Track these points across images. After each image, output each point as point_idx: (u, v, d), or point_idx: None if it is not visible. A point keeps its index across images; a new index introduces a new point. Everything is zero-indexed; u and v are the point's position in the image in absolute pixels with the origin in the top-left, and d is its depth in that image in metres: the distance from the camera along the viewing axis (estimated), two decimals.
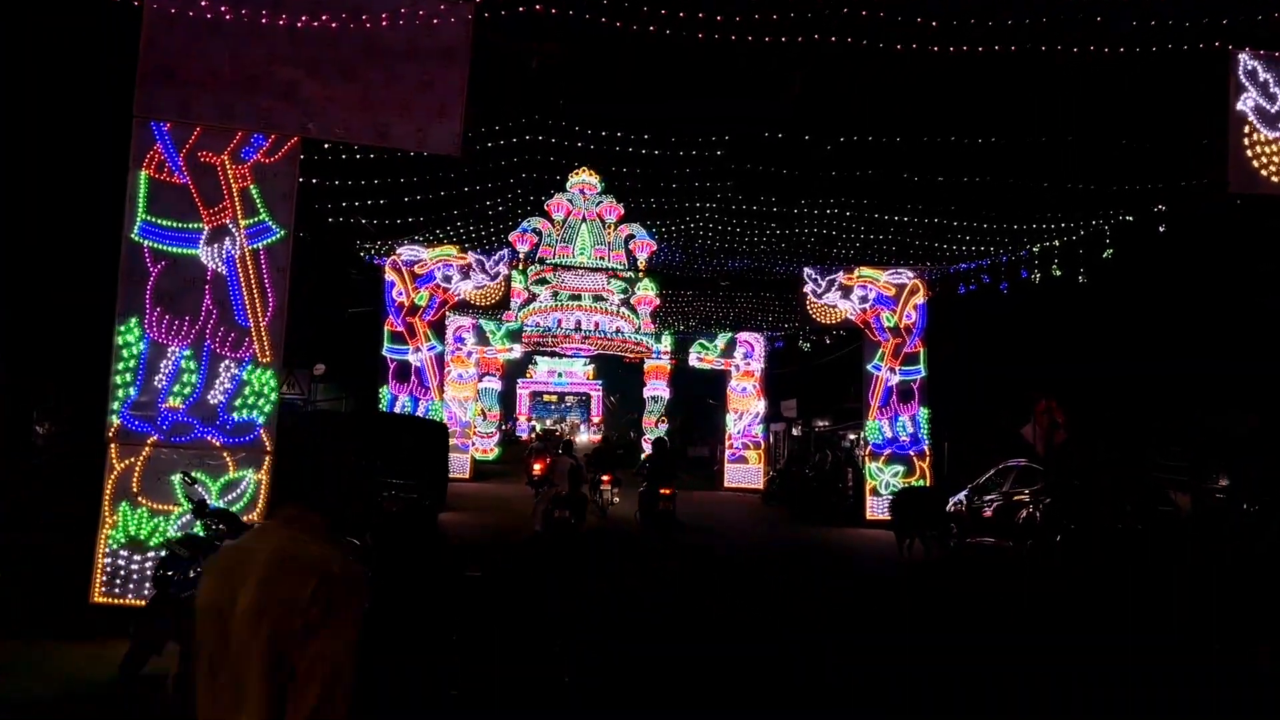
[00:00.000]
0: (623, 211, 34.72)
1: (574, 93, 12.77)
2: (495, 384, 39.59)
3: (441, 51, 9.75)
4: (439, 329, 24.21)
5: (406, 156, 12.87)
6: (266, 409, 9.60)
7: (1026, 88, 12.87)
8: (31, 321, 14.20)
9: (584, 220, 36.57)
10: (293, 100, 9.63)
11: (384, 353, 23.59)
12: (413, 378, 23.55)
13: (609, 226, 36.41)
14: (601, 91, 13.32)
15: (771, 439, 40.24)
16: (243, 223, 9.63)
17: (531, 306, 35.96)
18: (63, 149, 12.45)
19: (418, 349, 23.61)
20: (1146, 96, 13.13)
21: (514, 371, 55.86)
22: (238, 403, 9.55)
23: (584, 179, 35.85)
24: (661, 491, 18.10)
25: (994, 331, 24.43)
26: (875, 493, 23.61)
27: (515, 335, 35.73)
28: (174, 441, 9.43)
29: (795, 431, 44.66)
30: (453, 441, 32.06)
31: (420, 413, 23.32)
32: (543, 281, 36.58)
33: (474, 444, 35.14)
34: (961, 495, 17.88)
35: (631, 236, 35.82)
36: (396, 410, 23.30)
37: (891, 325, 23.80)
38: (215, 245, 9.58)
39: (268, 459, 9.60)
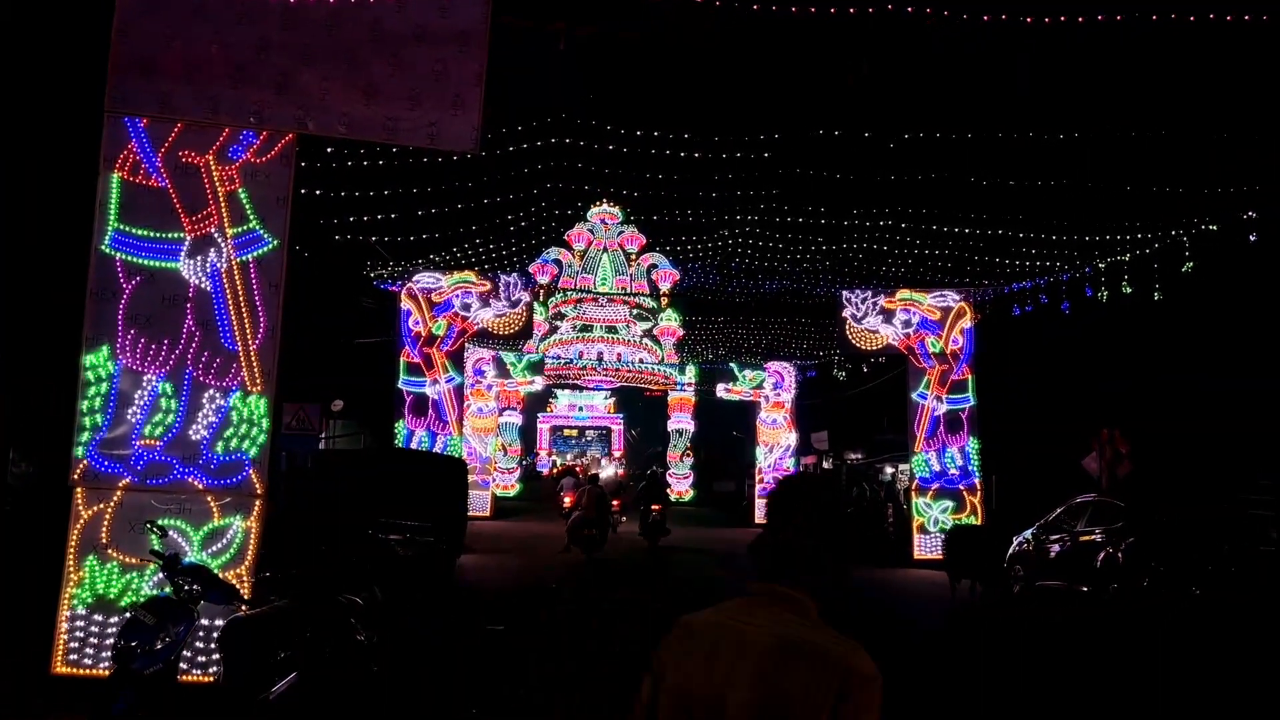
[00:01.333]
0: (645, 241, 33.75)
1: (604, 84, 11.51)
2: (516, 418, 38.34)
3: (456, 35, 8.53)
4: (458, 360, 22.96)
5: (419, 164, 11.69)
6: (257, 445, 8.31)
7: (1105, 78, 11.57)
8: (29, 334, 12.82)
9: (605, 250, 35.69)
10: (287, 92, 8.43)
11: (400, 385, 22.35)
12: (430, 411, 22.29)
13: (631, 257, 35.48)
14: (634, 83, 12.04)
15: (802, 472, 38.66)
16: (230, 231, 8.40)
17: (552, 339, 34.86)
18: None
19: (435, 381, 22.37)
20: (1234, 89, 11.79)
21: (534, 405, 54.70)
22: (224, 438, 8.27)
23: (605, 209, 34.94)
24: (653, 507, 22.69)
25: (1050, 356, 22.94)
26: (923, 530, 22.11)
27: (536, 367, 34.57)
28: (150, 484, 8.15)
29: (826, 465, 43.13)
30: (472, 478, 30.84)
31: (438, 448, 22.04)
32: (563, 314, 35.57)
33: (495, 480, 33.80)
34: (1027, 534, 16.39)
35: (654, 266, 34.85)
36: (414, 446, 22.01)
37: (937, 351, 22.39)
38: (198, 257, 8.34)
39: (258, 504, 8.31)
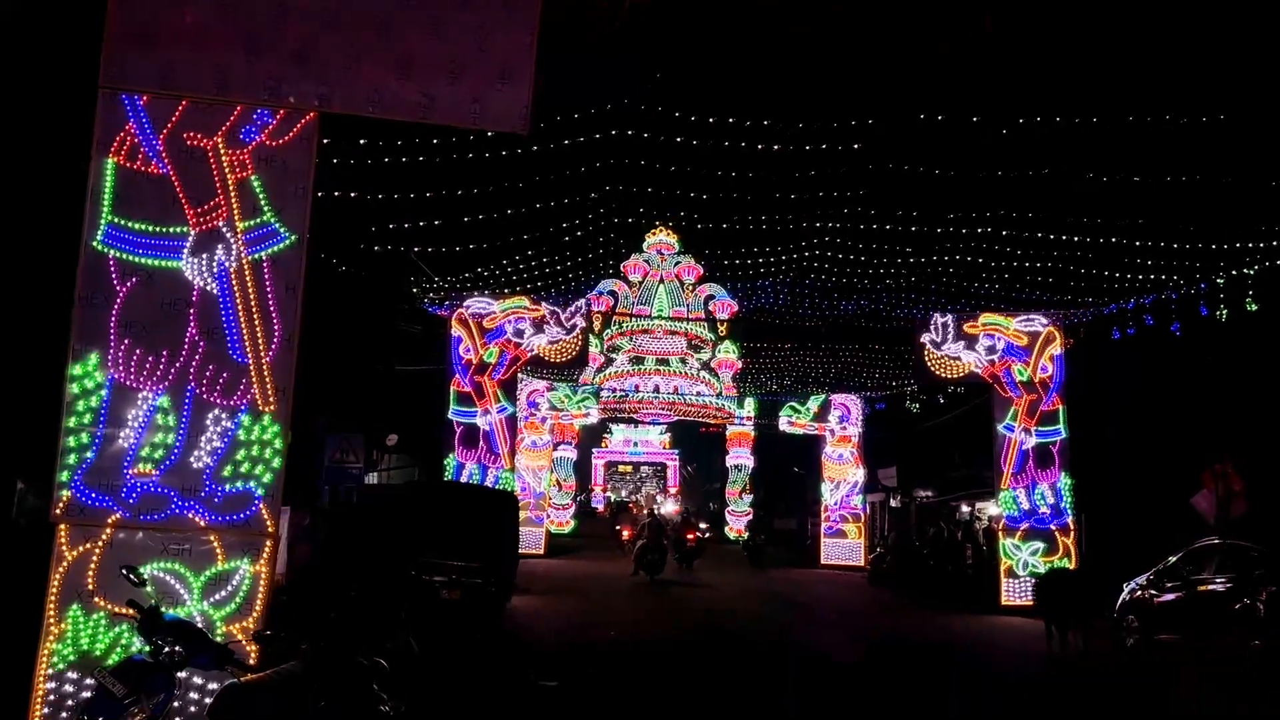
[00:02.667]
0: (701, 272, 32.72)
1: (668, 66, 10.16)
2: (570, 453, 37.20)
3: None
4: (510, 389, 21.75)
5: (463, 159, 10.45)
6: (269, 475, 7.07)
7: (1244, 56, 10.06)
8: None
9: (661, 281, 34.69)
10: (308, 64, 7.26)
11: (450, 416, 21.18)
12: (481, 443, 21.08)
13: (688, 287, 34.44)
14: (702, 63, 10.63)
15: (867, 511, 36.92)
16: (241, 225, 7.21)
17: (608, 371, 33.82)
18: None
19: (486, 411, 21.17)
20: None
21: (589, 440, 53.81)
22: (231, 466, 7.05)
23: (662, 239, 33.99)
24: (688, 535, 28.03)
25: (1152, 382, 21.12)
26: (1011, 573, 20.38)
27: (592, 399, 33.39)
28: (144, 520, 6.92)
29: (894, 503, 41.25)
30: (526, 514, 29.63)
31: (489, 482, 20.80)
32: (619, 346, 34.48)
33: (549, 516, 32.59)
34: (1140, 580, 14.70)
35: (711, 297, 33.75)
36: (464, 480, 20.79)
37: (1024, 379, 20.73)
38: (204, 255, 7.16)
39: (269, 544, 7.05)
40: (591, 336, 33.04)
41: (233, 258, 7.17)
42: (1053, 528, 20.33)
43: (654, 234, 33.27)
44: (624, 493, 70.02)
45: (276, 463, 7.09)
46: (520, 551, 27.58)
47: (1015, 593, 20.24)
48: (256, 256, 7.20)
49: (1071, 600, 15.77)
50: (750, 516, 40.05)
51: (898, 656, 14.75)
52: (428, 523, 15.14)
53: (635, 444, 60.43)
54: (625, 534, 29.44)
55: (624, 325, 34.50)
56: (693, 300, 34.20)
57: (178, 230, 7.16)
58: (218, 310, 7.13)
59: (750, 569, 29.20)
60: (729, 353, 33.31)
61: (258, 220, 7.23)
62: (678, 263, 34.29)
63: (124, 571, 5.79)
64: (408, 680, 8.76)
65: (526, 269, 16.21)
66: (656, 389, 34.31)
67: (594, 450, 59.60)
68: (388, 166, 10.28)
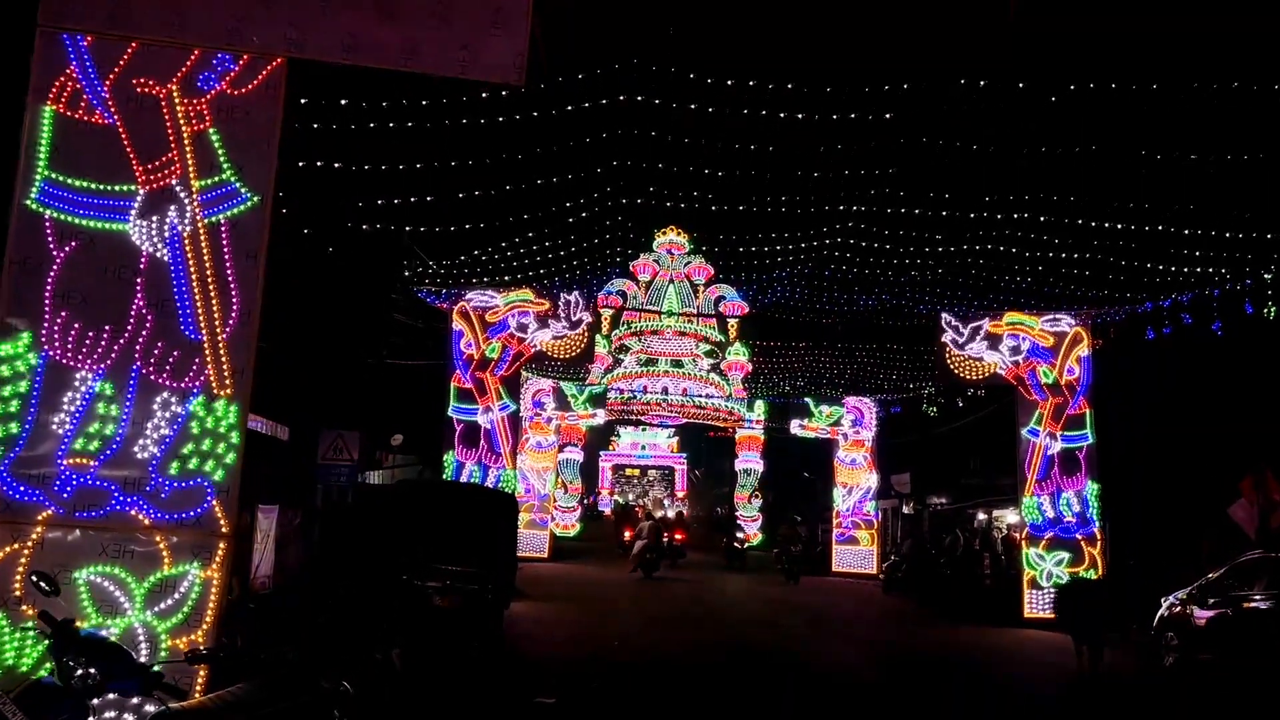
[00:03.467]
0: (712, 272, 31.96)
1: (684, 16, 9.21)
2: (577, 455, 36.35)
3: None
4: (513, 386, 20.88)
5: (456, 124, 9.58)
6: (223, 468, 6.23)
7: None
8: None
9: (671, 282, 33.94)
10: (275, 4, 6.43)
11: (450, 413, 20.32)
12: (482, 442, 20.21)
13: (698, 288, 33.68)
14: (723, 18, 9.70)
15: (880, 518, 36.03)
16: (197, 184, 6.38)
17: (616, 372, 33.03)
18: None
19: (488, 409, 20.30)
20: None
21: (596, 443, 53.07)
22: (180, 457, 6.21)
23: (672, 238, 33.24)
24: (677, 535, 30.74)
25: (1186, 385, 20.17)
26: (1035, 584, 19.41)
27: (599, 399, 32.63)
28: (80, 517, 6.09)
29: (906, 510, 40.31)
30: (530, 516, 28.79)
31: (490, 482, 19.92)
32: (627, 346, 33.68)
33: (554, 519, 31.75)
34: (1179, 595, 13.78)
35: (722, 298, 32.99)
36: (464, 480, 19.91)
37: (1050, 382, 19.78)
38: (154, 217, 6.33)
39: (223, 546, 6.19)
40: (599, 337, 32.33)
41: (187, 221, 6.34)
42: (1078, 537, 19.37)
43: (664, 233, 32.61)
44: (631, 496, 69.25)
45: (232, 455, 6.25)
46: (523, 555, 26.97)
47: (1039, 605, 19.29)
48: (214, 219, 6.36)
49: (1093, 613, 14.86)
50: (759, 522, 39.24)
51: (921, 674, 13.84)
52: (423, 525, 14.31)
53: (644, 447, 59.72)
54: (627, 535, 30.56)
55: (633, 326, 33.77)
56: (703, 301, 33.47)
57: (124, 189, 6.32)
58: (169, 280, 6.29)
59: (753, 575, 28.22)
60: (739, 355, 32.55)
61: (216, 179, 6.39)
62: (688, 263, 33.58)
63: (34, 579, 4.92)
64: (380, 705, 7.88)
65: (528, 254, 15.24)
66: (665, 391, 33.64)
67: (601, 453, 58.89)
68: (374, 134, 9.41)
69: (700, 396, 33.21)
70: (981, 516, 31.43)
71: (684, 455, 62.58)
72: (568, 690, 11.10)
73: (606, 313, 33.03)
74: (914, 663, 14.78)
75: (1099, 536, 19.34)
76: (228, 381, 6.26)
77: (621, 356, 33.71)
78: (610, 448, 59.96)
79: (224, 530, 6.18)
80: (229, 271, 6.31)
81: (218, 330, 6.27)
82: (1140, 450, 20.25)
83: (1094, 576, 18.90)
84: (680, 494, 63.57)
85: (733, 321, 32.45)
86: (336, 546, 16.44)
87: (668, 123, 10.40)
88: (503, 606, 14.47)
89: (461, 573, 13.60)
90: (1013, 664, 15.15)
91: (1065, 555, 19.32)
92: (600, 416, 33.45)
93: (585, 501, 45.07)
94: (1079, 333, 19.77)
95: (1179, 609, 13.66)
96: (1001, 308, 18.75)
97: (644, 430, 57.84)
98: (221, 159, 6.38)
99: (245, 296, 6.32)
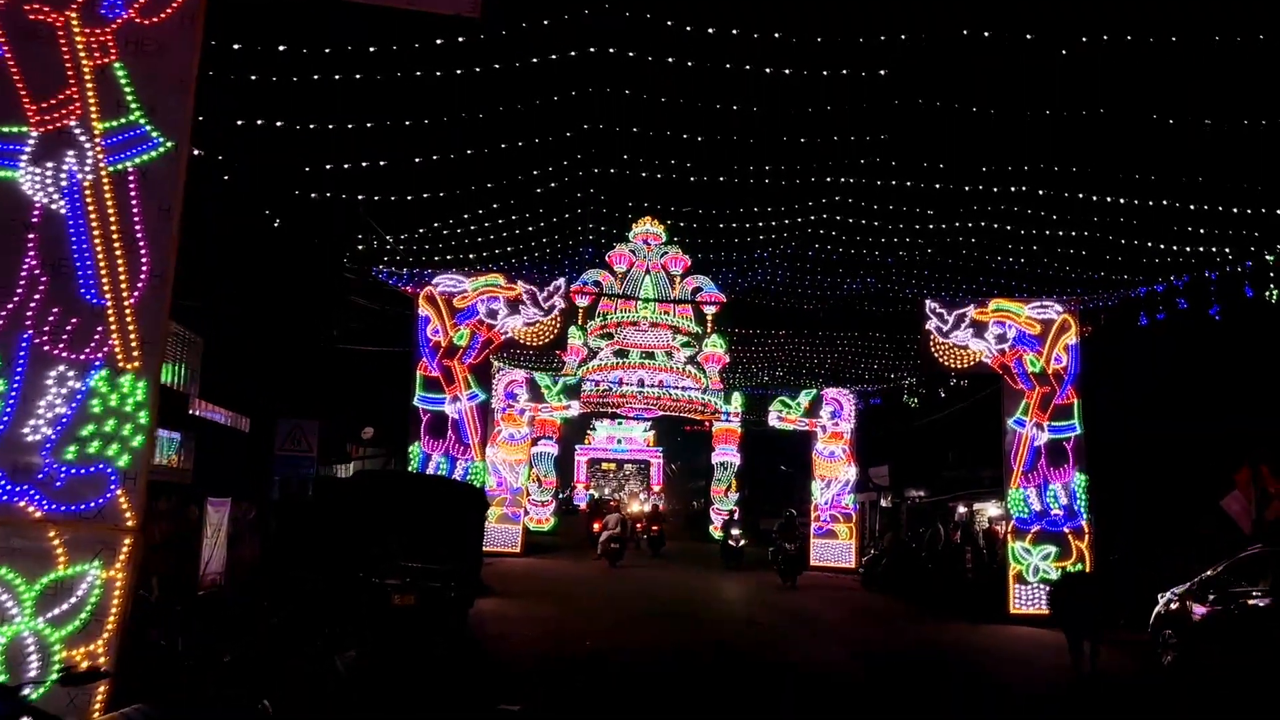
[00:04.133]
0: (689, 263, 31.40)
1: None
2: (551, 448, 35.55)
3: None
4: (482, 375, 20.05)
5: (410, 82, 8.76)
6: (130, 453, 5.41)
7: None
8: None
9: (648, 272, 33.41)
10: None
11: (415, 402, 19.48)
12: (450, 433, 19.38)
13: (674, 278, 33.12)
14: None
15: (858, 511, 35.47)
16: (99, 126, 5.56)
17: (591, 364, 32.34)
18: None
19: (456, 398, 19.47)
20: None
21: (571, 436, 52.48)
22: (78, 440, 5.40)
23: (648, 228, 32.68)
24: (654, 528, 33.16)
25: (1179, 374, 19.61)
26: (1021, 579, 18.80)
27: (573, 391, 31.86)
28: None
29: (884, 503, 39.84)
30: (502, 510, 28.01)
31: (458, 475, 19.11)
32: (603, 338, 33.00)
33: (527, 513, 30.96)
34: (1177, 591, 13.17)
35: (699, 289, 32.41)
36: (430, 472, 19.08)
37: (1037, 371, 19.18)
38: (49, 163, 5.51)
39: (128, 543, 5.38)
40: (575, 329, 31.64)
41: (88, 168, 5.52)
42: (1066, 530, 18.79)
43: (640, 224, 32.07)
44: (607, 490, 68.76)
45: (140, 437, 5.44)
46: (494, 550, 26.19)
47: (1026, 600, 18.70)
48: (120, 167, 5.54)
49: (1086, 607, 14.25)
50: (734, 516, 38.64)
51: (915, 676, 13.17)
52: (383, 519, 13.50)
53: (619, 441, 59.21)
54: (595, 526, 30.88)
55: (609, 317, 33.13)
56: (680, 292, 32.88)
57: (14, 130, 5.50)
58: (66, 236, 5.48)
59: (729, 572, 27.44)
60: (716, 346, 31.99)
61: (122, 120, 5.57)
62: (664, 253, 33.04)
63: None
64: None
65: (494, 228, 14.32)
66: (641, 383, 33.07)
67: (577, 447, 58.39)
68: (320, 89, 8.53)
69: (677, 389, 32.61)
70: (962, 509, 30.88)
71: (660, 449, 62.10)
72: (535, 693, 10.34)
73: (582, 303, 32.46)
74: (905, 663, 14.10)
75: (1087, 530, 18.76)
76: (135, 354, 5.45)
77: (597, 348, 33.07)
78: (586, 441, 59.36)
79: (130, 524, 5.38)
80: (137, 227, 5.50)
81: (124, 294, 5.46)
82: (1130, 441, 19.67)
83: (1083, 570, 18.37)
84: (656, 488, 63.13)
85: (710, 312, 31.87)
86: (292, 542, 15.61)
87: (641, 78, 9.60)
88: (467, 604, 13.67)
89: (423, 569, 12.84)
90: (1008, 663, 14.50)
91: (1052, 549, 18.74)
92: (575, 408, 32.68)
93: (560, 496, 44.36)
94: (1067, 320, 19.17)
95: (1177, 605, 13.05)
96: (992, 290, 18.11)
97: (620, 424, 57.28)
98: (129, 98, 5.57)
99: (157, 256, 5.51)
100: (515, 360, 28.87)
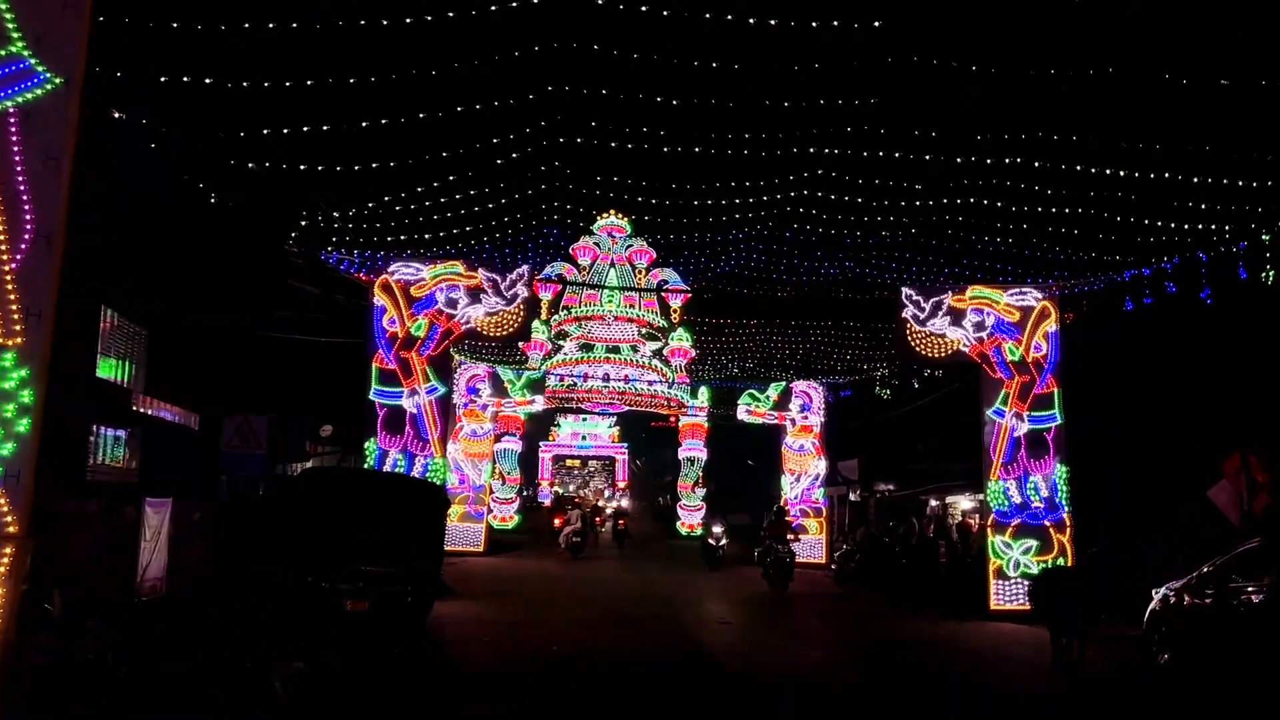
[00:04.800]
0: (654, 255, 30.75)
1: None
2: (515, 444, 34.76)
3: None
4: (441, 367, 19.17)
5: (353, 31, 7.91)
6: (13, 439, 4.57)
7: None
8: None
9: (612, 265, 32.54)
10: None
11: (371, 396, 18.59)
12: (408, 428, 18.51)
13: (639, 272, 32.36)
14: None
15: (829, 505, 34.93)
16: None
17: (556, 359, 31.55)
18: None
19: (414, 391, 18.59)
20: None
21: (536, 433, 51.71)
22: None
23: (613, 220, 31.83)
24: (619, 522, 34.49)
25: (1164, 360, 19.12)
26: (1001, 574, 18.28)
27: (537, 385, 31.07)
28: None
29: (853, 497, 39.37)
30: (465, 509, 27.18)
31: (417, 472, 18.26)
32: (566, 332, 32.22)
33: (491, 510, 30.15)
34: (1173, 586, 12.60)
35: (664, 283, 31.63)
36: (388, 469, 18.21)
37: (1016, 359, 18.66)
38: None
39: (9, 551, 4.55)
40: (538, 322, 30.83)
41: None
42: (1047, 524, 18.28)
43: (604, 216, 31.26)
44: (572, 487, 68.17)
45: (25, 421, 4.60)
46: (456, 549, 25.34)
47: (1005, 596, 18.19)
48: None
49: (1070, 601, 13.72)
50: (703, 511, 38.00)
51: (901, 678, 12.53)
52: (335, 519, 12.67)
53: (584, 437, 58.54)
54: (557, 522, 32.07)
55: (573, 310, 32.36)
56: (645, 284, 32.15)
57: None
58: None
59: (696, 570, 26.68)
60: (682, 340, 31.25)
61: (1, 52, 4.71)
62: (629, 246, 32.22)
63: None
64: None
65: (450, 203, 13.36)
66: (606, 377, 32.32)
67: (541, 443, 57.69)
68: (252, 40, 7.60)
69: (642, 383, 31.92)
70: (934, 503, 30.44)
71: (626, 445, 61.49)
72: (496, 701, 9.58)
73: (545, 296, 31.67)
74: (890, 665, 13.45)
75: (1068, 523, 18.26)
76: (17, 327, 4.61)
77: (561, 343, 32.31)
78: (550, 438, 58.61)
79: (10, 529, 4.53)
80: (19, 178, 4.66)
81: (3, 259, 4.61)
82: (1111, 427, 19.17)
83: (1065, 565, 17.88)
84: (622, 484, 62.59)
85: (675, 306, 31.20)
86: (239, 545, 14.74)
87: (605, 32, 8.73)
88: (425, 608, 12.89)
89: (379, 572, 12.04)
90: (995, 662, 13.92)
91: (1033, 543, 18.24)
92: (539, 403, 31.90)
93: (525, 493, 43.59)
94: (1046, 307, 18.66)
95: (1173, 601, 12.48)
96: (976, 274, 17.52)
97: (585, 420, 56.57)
98: (9, 25, 4.71)
99: (43, 214, 4.68)
100: (477, 354, 28.05)
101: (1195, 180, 10.64)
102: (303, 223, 13.80)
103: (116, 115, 8.80)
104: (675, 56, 8.48)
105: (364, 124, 9.17)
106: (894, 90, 9.24)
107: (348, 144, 9.65)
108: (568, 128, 10.77)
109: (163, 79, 8.03)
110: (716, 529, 27.89)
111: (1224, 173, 10.46)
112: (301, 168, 10.12)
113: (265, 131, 8.99)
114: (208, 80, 8.05)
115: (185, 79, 7.97)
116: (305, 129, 8.97)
